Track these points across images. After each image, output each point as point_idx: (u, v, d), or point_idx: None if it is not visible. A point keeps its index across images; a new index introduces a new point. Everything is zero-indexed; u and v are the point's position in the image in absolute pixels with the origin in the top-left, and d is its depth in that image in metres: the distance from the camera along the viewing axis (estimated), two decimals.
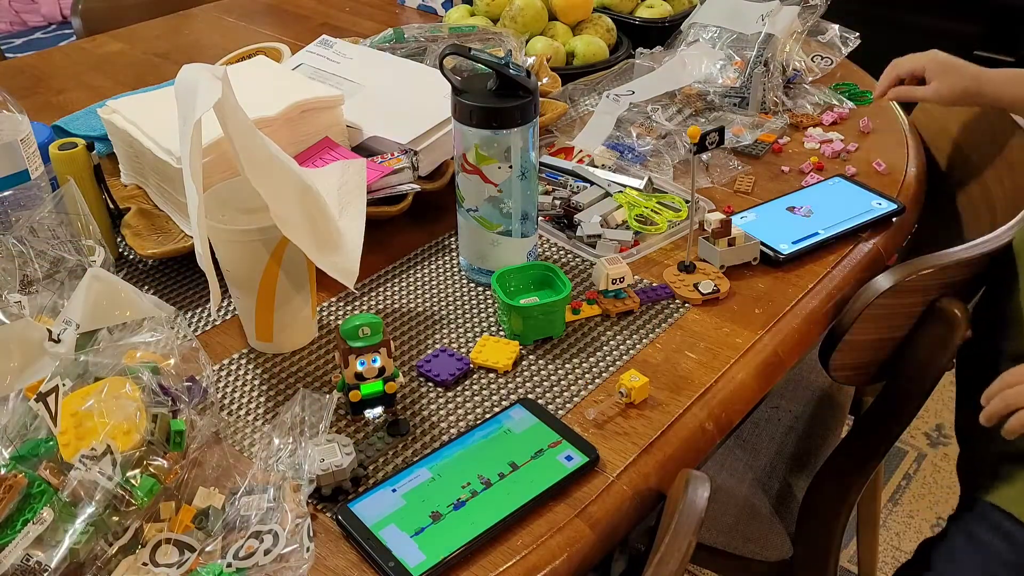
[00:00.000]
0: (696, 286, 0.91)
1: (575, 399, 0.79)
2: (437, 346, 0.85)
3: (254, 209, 0.80)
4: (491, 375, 0.81)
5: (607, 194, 1.04)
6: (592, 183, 1.06)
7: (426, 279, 0.95)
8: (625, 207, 1.02)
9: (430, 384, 0.80)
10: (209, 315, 0.90)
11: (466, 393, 0.79)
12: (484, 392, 0.80)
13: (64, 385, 0.64)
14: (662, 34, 1.43)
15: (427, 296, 0.92)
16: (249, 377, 0.82)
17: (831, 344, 0.92)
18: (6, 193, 0.88)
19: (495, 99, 0.84)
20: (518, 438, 0.73)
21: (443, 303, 0.91)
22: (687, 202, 1.05)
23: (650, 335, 0.86)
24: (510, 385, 0.80)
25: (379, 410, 0.76)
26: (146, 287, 0.95)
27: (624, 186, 1.06)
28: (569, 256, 0.98)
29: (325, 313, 0.90)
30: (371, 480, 0.70)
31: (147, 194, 1.03)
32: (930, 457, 1.92)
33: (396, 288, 0.94)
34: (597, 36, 1.45)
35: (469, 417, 0.77)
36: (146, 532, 0.62)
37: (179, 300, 0.93)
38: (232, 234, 0.76)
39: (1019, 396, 0.81)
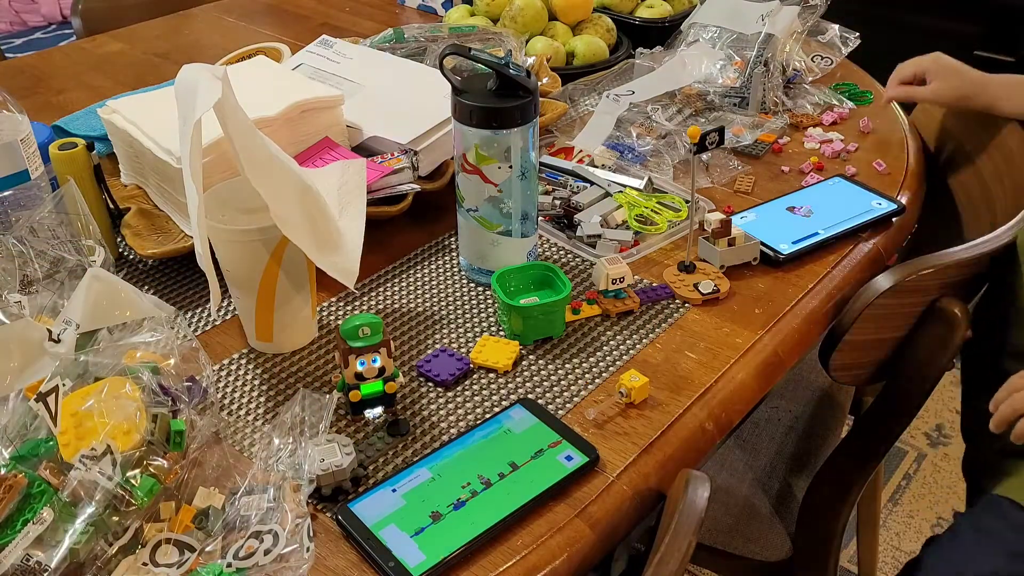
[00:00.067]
0: (696, 286, 0.91)
1: (575, 399, 0.79)
2: (437, 346, 0.85)
3: (254, 209, 0.80)
4: (491, 375, 0.81)
5: (607, 194, 1.04)
6: (592, 183, 1.06)
7: (426, 279, 0.95)
8: (625, 207, 1.02)
9: (430, 384, 0.80)
10: (209, 315, 0.90)
11: (466, 393, 0.79)
12: (484, 392, 0.80)
13: (64, 385, 0.64)
14: (662, 34, 1.43)
15: (427, 296, 0.92)
16: (249, 377, 0.82)
17: (831, 344, 0.92)
18: (6, 193, 0.88)
19: (495, 99, 0.84)
20: (518, 438, 0.73)
21: (443, 303, 0.91)
22: (687, 202, 1.05)
23: (650, 335, 0.86)
24: (510, 385, 0.80)
25: (379, 410, 0.76)
26: (146, 287, 0.95)
27: (624, 186, 1.06)
28: (569, 256, 0.98)
29: (325, 313, 0.90)
30: (371, 480, 0.70)
31: (147, 194, 1.03)
32: (930, 457, 1.92)
33: (396, 288, 0.94)
34: (597, 36, 1.45)
35: (469, 417, 0.77)
36: (146, 532, 0.62)
37: (179, 300, 0.93)
38: (232, 234, 0.76)
39: None
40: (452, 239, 1.01)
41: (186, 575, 0.60)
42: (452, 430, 0.75)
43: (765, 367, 0.83)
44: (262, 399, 0.79)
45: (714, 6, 1.37)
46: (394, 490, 0.68)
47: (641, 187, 1.06)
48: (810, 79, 1.34)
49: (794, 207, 1.03)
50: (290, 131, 1.01)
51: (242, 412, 0.78)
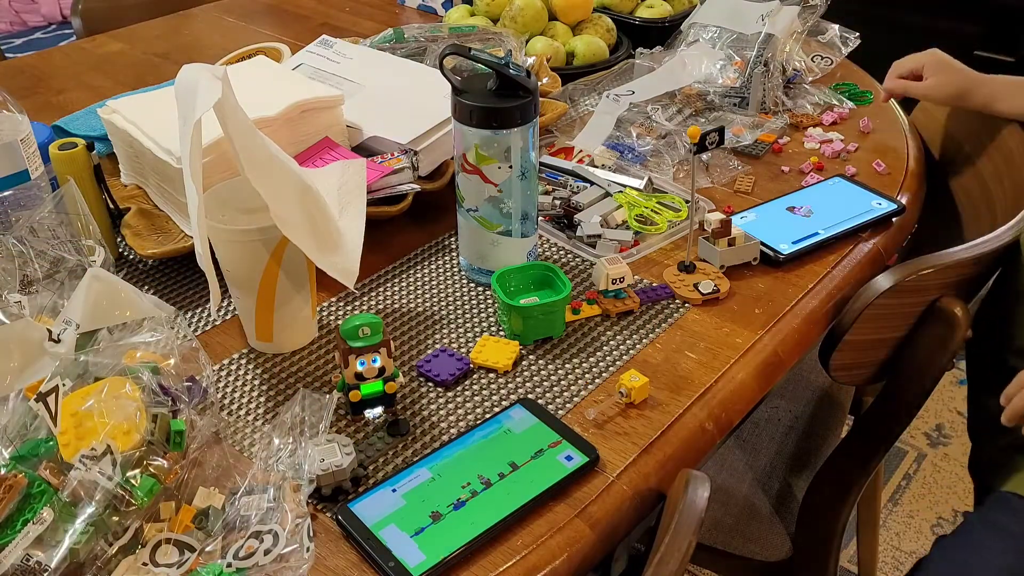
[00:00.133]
0: (696, 286, 0.91)
1: (575, 399, 0.79)
2: (437, 346, 0.85)
3: (254, 209, 0.80)
4: (491, 375, 0.81)
5: (607, 194, 1.04)
6: (592, 183, 1.06)
7: (426, 279, 0.95)
8: (625, 207, 1.02)
9: (430, 384, 0.80)
10: (209, 315, 0.90)
11: (466, 393, 0.79)
12: (484, 392, 0.80)
13: (64, 385, 0.64)
14: (662, 34, 1.43)
15: (427, 296, 0.92)
16: (249, 377, 0.82)
17: (831, 344, 0.92)
18: (6, 193, 0.88)
19: (495, 99, 0.84)
20: (518, 438, 0.73)
21: (443, 303, 0.91)
22: (687, 202, 1.05)
23: (650, 335, 0.86)
24: (510, 385, 0.80)
25: (379, 410, 0.76)
26: (146, 287, 0.95)
27: (624, 186, 1.06)
28: (569, 256, 0.98)
29: (325, 313, 0.90)
30: (371, 480, 0.70)
31: (147, 194, 1.03)
32: (930, 457, 1.92)
33: (396, 288, 0.94)
34: (597, 36, 1.45)
35: (469, 417, 0.77)
36: (146, 532, 0.62)
37: (179, 300, 0.93)
38: (232, 234, 0.76)
39: None
40: (452, 239, 1.01)
41: (186, 575, 0.60)
42: (452, 430, 0.75)
43: (765, 367, 0.83)
44: (262, 399, 0.79)
45: (714, 6, 1.37)
46: (394, 490, 0.68)
47: (641, 187, 1.06)
48: (810, 79, 1.34)
49: (794, 207, 1.03)
50: (290, 131, 1.01)
51: (242, 412, 0.78)
